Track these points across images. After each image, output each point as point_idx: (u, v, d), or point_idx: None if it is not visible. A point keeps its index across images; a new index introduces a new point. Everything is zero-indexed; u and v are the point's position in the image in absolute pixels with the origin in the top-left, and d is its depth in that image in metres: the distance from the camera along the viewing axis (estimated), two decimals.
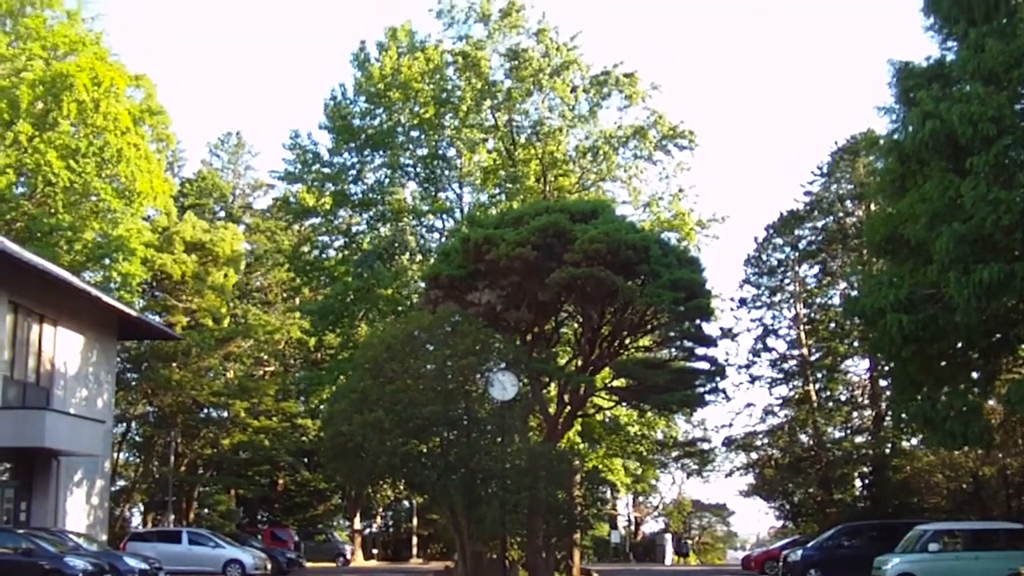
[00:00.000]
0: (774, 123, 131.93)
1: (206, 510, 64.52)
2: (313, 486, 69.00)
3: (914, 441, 45.54)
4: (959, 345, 24.93)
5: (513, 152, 51.70)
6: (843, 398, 54.84)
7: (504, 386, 32.79)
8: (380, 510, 77.03)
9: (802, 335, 53.19)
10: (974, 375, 26.59)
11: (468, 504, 33.19)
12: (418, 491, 44.33)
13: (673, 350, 41.50)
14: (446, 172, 53.38)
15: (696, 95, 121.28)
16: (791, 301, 54.47)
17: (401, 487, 55.53)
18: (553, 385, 39.87)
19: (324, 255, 56.23)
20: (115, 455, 52.97)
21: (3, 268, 29.64)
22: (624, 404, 44.57)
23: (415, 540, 75.75)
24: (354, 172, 53.19)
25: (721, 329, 47.65)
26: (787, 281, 54.93)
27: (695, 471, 67.61)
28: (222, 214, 69.78)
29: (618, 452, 54.23)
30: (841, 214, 53.26)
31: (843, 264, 52.23)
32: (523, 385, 34.99)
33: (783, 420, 55.11)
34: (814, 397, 53.00)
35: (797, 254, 54.49)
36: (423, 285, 43.10)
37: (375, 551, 72.21)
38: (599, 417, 47.04)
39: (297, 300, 63.33)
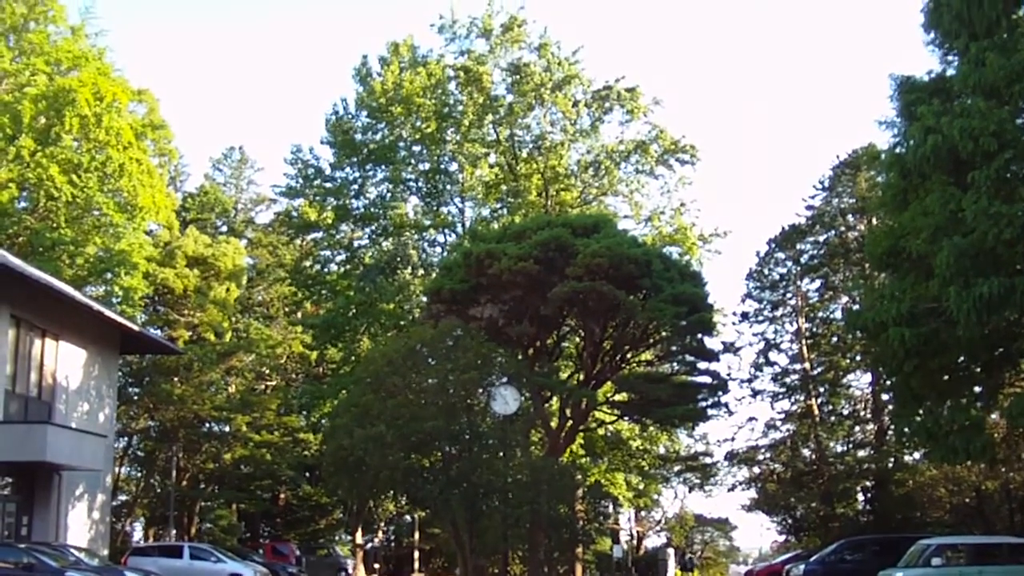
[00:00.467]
0: (776, 137, 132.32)
1: (208, 525, 64.36)
2: (315, 500, 68.83)
3: (917, 455, 45.44)
4: (961, 359, 24.92)
5: (515, 166, 51.77)
6: (845, 412, 54.73)
7: (506, 400, 32.84)
8: (382, 524, 76.79)
9: (804, 349, 53.11)
10: (976, 389, 26.57)
11: (470, 518, 33.16)
12: (420, 505, 44.34)
13: (675, 364, 41.47)
14: (448, 186, 53.48)
15: (698, 109, 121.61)
16: (793, 315, 54.39)
17: (403, 501, 55.49)
18: (555, 399, 39.87)
19: (326, 269, 56.28)
20: (117, 469, 52.86)
21: (5, 283, 29.65)
22: (626, 418, 44.59)
23: (417, 555, 75.50)
24: (356, 187, 53.30)
25: (723, 343, 47.61)
26: (789, 295, 54.86)
27: (697, 485, 67.37)
28: (224, 229, 69.76)
29: (620, 466, 54.19)
30: (843, 228, 53.23)
31: (845, 278, 52.18)
32: (525, 399, 35.02)
33: (785, 434, 54.99)
34: (816, 411, 52.90)
35: (799, 268, 54.42)
36: (425, 299, 43.16)
37: (377, 566, 71.98)
38: (601, 431, 47.02)
39: (299, 314, 63.30)
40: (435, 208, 53.74)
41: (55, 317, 33.12)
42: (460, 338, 34.80)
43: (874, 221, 45.22)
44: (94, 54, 46.16)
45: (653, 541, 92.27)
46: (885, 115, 26.07)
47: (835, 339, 53.21)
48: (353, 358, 51.89)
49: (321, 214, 54.28)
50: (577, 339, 40.65)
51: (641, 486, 62.99)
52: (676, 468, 60.97)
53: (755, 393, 53.59)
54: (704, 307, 37.08)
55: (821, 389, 53.97)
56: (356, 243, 55.25)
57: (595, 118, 52.09)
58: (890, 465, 48.45)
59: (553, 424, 39.05)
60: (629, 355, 39.17)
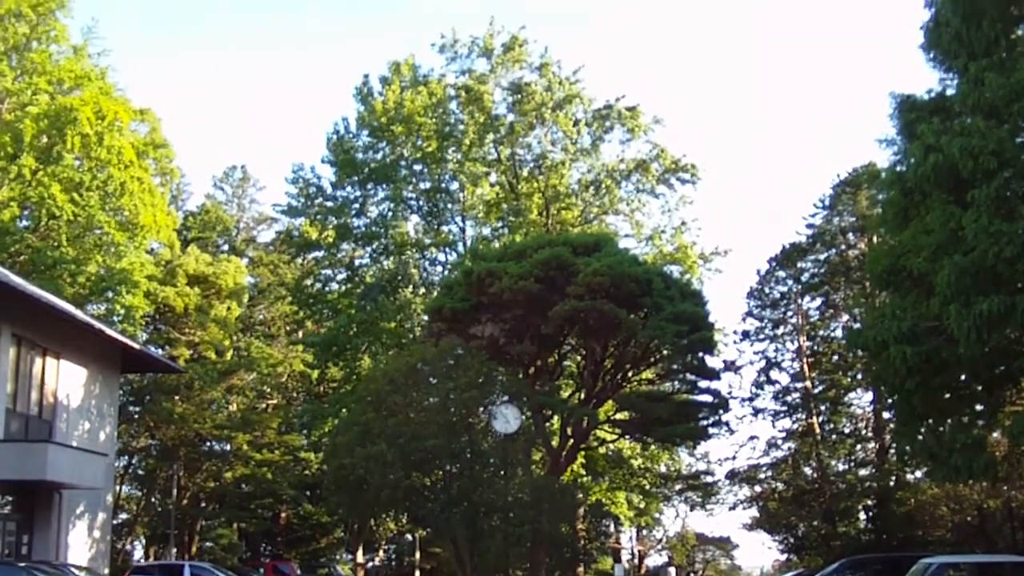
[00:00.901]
0: (776, 156, 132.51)
1: (208, 543, 64.31)
2: (316, 519, 68.73)
3: (918, 474, 45.40)
4: (963, 377, 24.86)
5: (516, 185, 51.85)
6: (847, 431, 54.69)
7: (507, 419, 32.82)
8: (383, 543, 76.66)
9: (805, 368, 53.09)
10: (978, 407, 26.52)
11: (471, 537, 33.09)
12: (421, 524, 44.20)
13: (676, 383, 41.48)
14: (449, 205, 53.53)
15: (699, 127, 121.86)
16: (794, 334, 54.40)
17: (404, 520, 55.23)
18: (556, 418, 39.84)
19: (327, 288, 56.29)
20: (117, 488, 52.84)
21: (6, 301, 29.66)
22: (627, 437, 44.56)
23: (418, 574, 75.33)
24: (357, 206, 53.34)
25: (724, 362, 47.56)
26: (790, 314, 54.88)
27: (698, 504, 67.17)
28: (225, 247, 69.90)
29: (621, 485, 54.12)
30: (843, 246, 53.28)
31: (846, 297, 52.21)
32: (526, 418, 35.00)
33: (787, 453, 54.95)
34: (817, 430, 52.85)
35: (800, 287, 54.46)
36: (426, 318, 43.16)
37: None
38: (602, 450, 47.02)
39: (300, 333, 63.32)
40: (436, 227, 53.78)
41: (56, 336, 33.11)
42: (461, 357, 34.78)
43: (875, 239, 45.22)
44: (96, 73, 46.28)
45: (654, 560, 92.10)
46: (885, 134, 26.10)
47: (836, 357, 53.21)
48: (354, 377, 51.88)
49: (322, 233, 54.32)
50: (578, 358, 40.64)
51: (642, 505, 62.94)
52: (677, 487, 60.87)
53: (756, 412, 53.59)
54: (705, 326, 37.07)
55: (822, 407, 53.94)
56: (357, 262, 55.29)
57: (596, 137, 52.22)
58: (892, 484, 48.38)
59: (554, 443, 39.02)
60: (630, 374, 39.18)
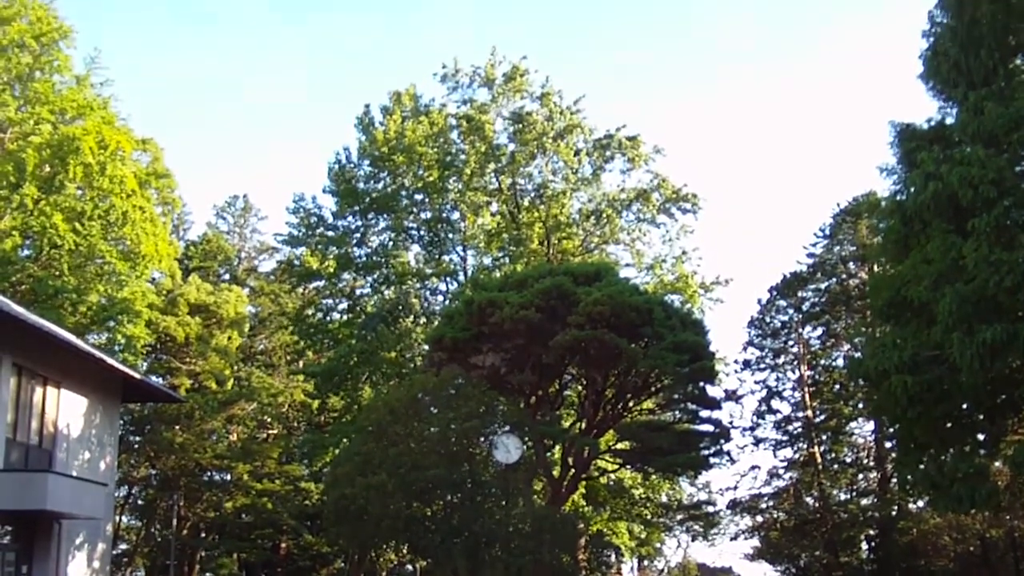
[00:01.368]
0: (776, 186, 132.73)
1: (209, 574, 64.00)
2: (316, 550, 68.41)
3: (920, 503, 45.25)
4: (964, 406, 24.83)
5: (517, 215, 51.91)
6: (848, 460, 54.57)
7: (508, 449, 32.77)
8: (383, 574, 76.34)
9: (806, 397, 53.01)
10: (980, 437, 26.47)
11: (472, 568, 32.94)
12: (421, 555, 43.97)
13: (677, 412, 41.43)
14: (450, 235, 53.60)
15: (699, 157, 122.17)
16: (795, 363, 54.34)
17: (404, 551, 55.05)
18: (557, 448, 39.76)
19: (328, 318, 56.29)
20: (117, 518, 52.66)
21: (7, 330, 29.64)
22: (628, 467, 44.45)
23: None
24: (358, 235, 53.40)
25: (725, 391, 47.62)
26: (791, 343, 54.84)
27: (700, 534, 66.90)
28: (227, 277, 69.91)
29: (622, 515, 53.92)
30: (844, 276, 53.31)
31: (847, 326, 52.19)
32: (527, 448, 34.94)
33: (788, 482, 54.79)
34: (819, 459, 52.72)
35: (800, 316, 54.44)
36: (427, 348, 43.12)
37: None
38: (603, 480, 46.88)
39: (301, 363, 63.27)
40: (437, 257, 53.82)
41: (57, 365, 33.07)
42: (462, 386, 34.76)
43: (875, 268, 45.25)
44: (99, 103, 46.46)
45: None
46: (885, 162, 26.12)
47: (837, 387, 53.15)
48: (355, 407, 51.83)
49: (323, 263, 54.38)
50: (579, 387, 40.59)
51: (643, 535, 62.68)
52: (679, 517, 60.65)
53: (757, 441, 53.49)
54: (706, 355, 37.06)
55: (824, 437, 53.84)
56: (358, 292, 55.34)
57: (596, 167, 52.33)
58: (894, 513, 48.24)
59: (555, 473, 38.93)
60: (631, 403, 39.12)
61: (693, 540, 75.27)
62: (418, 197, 53.26)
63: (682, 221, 51.78)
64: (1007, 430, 26.56)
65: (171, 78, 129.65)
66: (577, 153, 51.90)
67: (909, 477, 27.71)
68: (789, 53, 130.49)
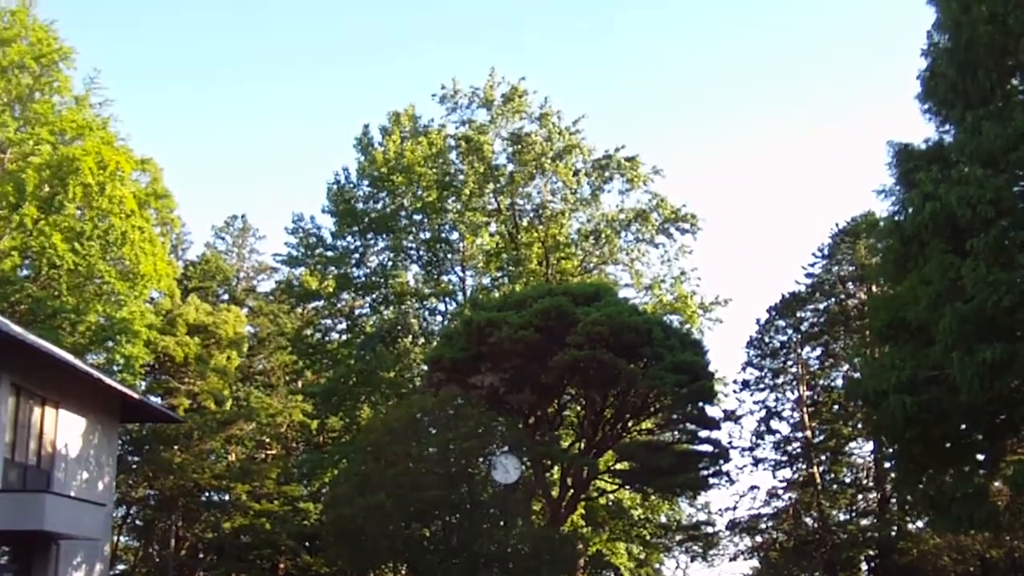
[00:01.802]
0: (775, 206, 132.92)
1: None
2: (315, 570, 68.15)
3: (920, 523, 45.18)
4: (963, 427, 24.83)
5: (515, 235, 51.97)
6: (848, 480, 54.46)
7: (507, 469, 32.74)
8: None
9: (805, 417, 52.94)
10: (979, 456, 26.46)
11: None
12: (420, 575, 43.97)
13: (676, 433, 41.40)
14: (449, 255, 53.64)
15: (697, 176, 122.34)
16: (794, 383, 54.27)
17: (403, 571, 54.90)
18: (556, 468, 39.74)
19: (327, 338, 56.28)
20: (115, 539, 52.54)
21: (6, 350, 29.62)
22: (627, 487, 44.39)
23: None
24: (357, 255, 53.44)
25: (724, 411, 47.56)
26: (790, 363, 54.78)
27: (699, 555, 66.77)
28: (225, 297, 69.86)
29: (621, 536, 53.82)
30: (843, 296, 53.29)
31: (846, 346, 52.15)
32: (526, 468, 34.91)
33: (787, 503, 54.65)
34: (818, 479, 52.62)
35: (799, 336, 54.40)
36: (426, 368, 43.12)
37: None
38: (602, 500, 46.81)
39: (299, 383, 63.20)
40: (436, 277, 53.87)
41: (55, 385, 33.04)
42: (461, 407, 34.75)
43: (874, 288, 45.26)
44: (98, 123, 46.56)
45: None
46: (883, 183, 26.19)
47: (836, 407, 53.08)
48: (354, 427, 51.82)
49: (322, 283, 54.40)
50: (578, 407, 40.60)
51: (643, 556, 62.52)
52: (678, 537, 60.54)
53: (757, 461, 53.36)
54: (705, 375, 37.07)
55: (823, 457, 53.73)
56: (357, 312, 55.36)
57: (595, 187, 52.41)
58: (893, 534, 48.14)
59: (554, 493, 38.89)
60: (630, 423, 39.13)
61: (692, 561, 75.00)
62: (417, 217, 53.33)
63: (681, 241, 51.94)
64: (1006, 450, 26.56)
65: (170, 97, 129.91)
66: (576, 173, 51.98)
67: (908, 497, 27.77)
68: (788, 73, 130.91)
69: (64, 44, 46.52)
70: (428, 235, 53.40)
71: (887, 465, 48.38)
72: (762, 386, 54.54)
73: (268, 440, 64.63)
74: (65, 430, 33.85)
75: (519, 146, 51.24)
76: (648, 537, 56.76)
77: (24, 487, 31.27)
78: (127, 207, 43.75)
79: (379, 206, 53.32)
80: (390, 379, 49.81)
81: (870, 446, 51.89)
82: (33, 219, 42.10)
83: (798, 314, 54.21)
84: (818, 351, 55.02)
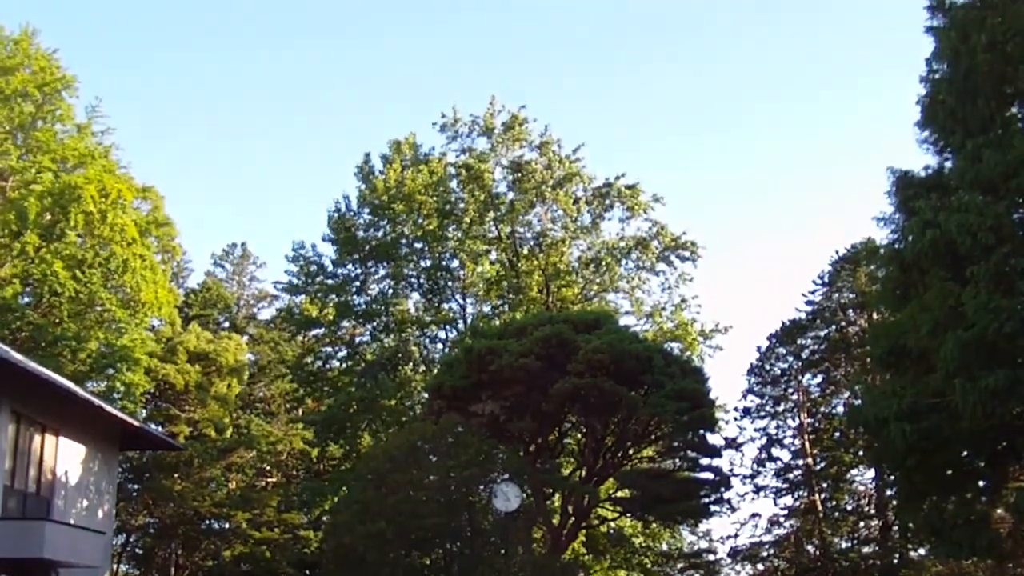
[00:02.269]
0: (775, 233, 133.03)
1: None
2: None
3: (922, 551, 45.01)
4: (965, 454, 24.81)
5: (516, 263, 52.04)
6: (849, 508, 54.29)
7: (508, 497, 32.66)
8: None
9: (807, 444, 52.84)
10: (981, 483, 26.42)
11: None
12: None
13: (677, 460, 41.32)
14: (449, 283, 53.70)
15: (698, 204, 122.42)
16: (795, 410, 54.19)
17: None
18: (557, 496, 39.65)
19: (327, 366, 56.26)
20: (115, 567, 52.32)
21: (6, 378, 29.62)
22: (629, 515, 44.27)
23: None
24: (358, 283, 53.51)
25: (725, 439, 47.37)
26: (791, 390, 54.71)
27: None
28: (226, 324, 69.91)
29: (623, 564, 53.62)
30: (843, 323, 53.26)
31: (847, 373, 52.10)
32: (527, 496, 34.82)
33: (789, 531, 54.47)
34: (820, 507, 52.47)
35: (800, 363, 54.33)
36: (426, 396, 43.13)
37: None
38: (603, 528, 46.65)
39: (300, 411, 63.17)
40: (436, 305, 53.90)
41: (56, 412, 33.02)
42: (461, 434, 34.72)
43: (874, 316, 45.26)
44: (100, 151, 46.77)
45: None
46: (883, 210, 26.23)
47: (838, 434, 52.98)
48: (354, 454, 51.71)
49: (323, 311, 54.44)
50: (579, 435, 40.54)
51: None
52: (679, 565, 60.26)
53: (758, 489, 53.22)
54: (706, 403, 37.04)
55: (824, 484, 53.60)
56: (357, 339, 55.37)
57: (596, 215, 52.53)
58: (895, 561, 47.95)
59: (555, 521, 38.78)
60: (631, 451, 39.06)
61: None
62: (418, 245, 53.42)
63: (681, 269, 52.00)
64: (1008, 477, 26.51)
65: (170, 124, 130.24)
66: (576, 201, 52.10)
67: (910, 525, 27.72)
68: (788, 99, 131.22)
69: (66, 73, 46.85)
70: (429, 263, 53.48)
71: (889, 492, 48.24)
72: (763, 413, 54.46)
73: (268, 468, 64.55)
74: (65, 458, 33.81)
75: (519, 174, 51.39)
76: (649, 565, 56.49)
77: (24, 515, 31.21)
78: (128, 235, 43.88)
79: (380, 234, 53.42)
80: (391, 407, 49.78)
81: (871, 473, 51.77)
82: (35, 247, 42.23)
83: (799, 341, 54.17)
84: (819, 378, 54.96)
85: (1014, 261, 21.52)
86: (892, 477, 33.37)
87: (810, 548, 54.40)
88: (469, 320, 52.78)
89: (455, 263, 53.52)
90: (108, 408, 35.64)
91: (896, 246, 24.68)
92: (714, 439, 40.37)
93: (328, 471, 60.02)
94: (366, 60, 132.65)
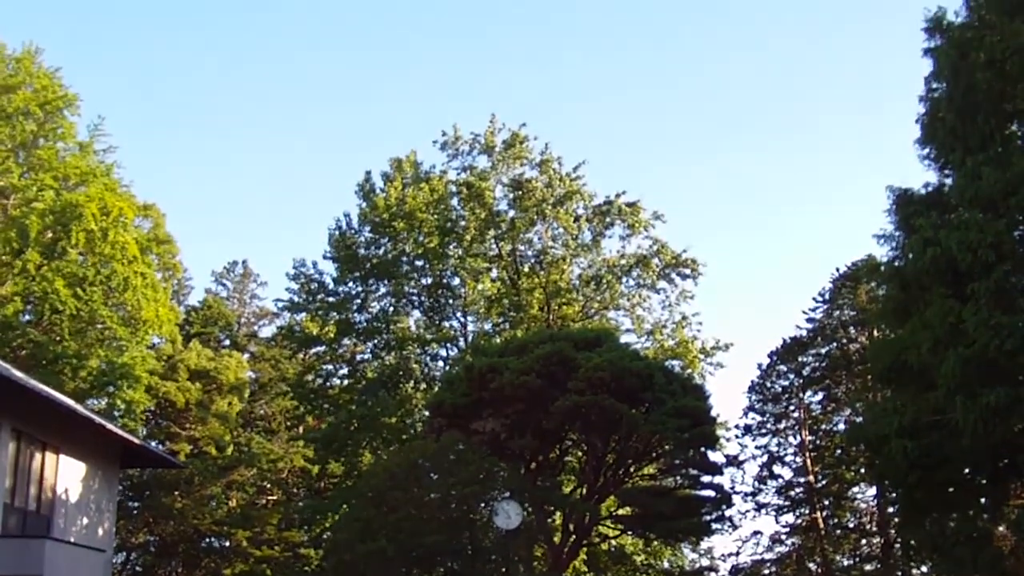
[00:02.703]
0: (776, 251, 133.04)
1: None
2: None
3: (924, 568, 44.90)
4: (966, 471, 24.83)
5: (517, 281, 52.06)
6: (851, 525, 54.20)
7: (508, 515, 32.62)
8: None
9: (808, 462, 52.78)
10: (982, 501, 26.40)
11: None
12: None
13: (678, 478, 41.27)
14: (450, 301, 53.70)
15: (698, 220, 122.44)
16: (796, 428, 54.13)
17: None
18: (558, 514, 39.58)
19: (328, 383, 56.19)
20: None
21: (7, 395, 29.62)
22: (630, 533, 44.22)
23: None
24: (358, 301, 53.48)
25: (726, 457, 47.42)
26: (792, 408, 54.66)
27: None
28: (227, 342, 69.87)
29: None
30: (844, 340, 53.27)
31: (847, 390, 52.09)
32: (527, 514, 34.78)
33: (791, 548, 54.35)
34: (821, 524, 52.39)
35: (801, 381, 54.30)
36: (427, 413, 43.08)
37: None
38: (604, 546, 46.55)
39: (301, 428, 63.07)
40: (437, 322, 53.89)
41: (56, 430, 33.00)
42: (462, 452, 34.69)
43: (875, 333, 45.28)
44: (102, 170, 46.84)
45: None
46: (883, 228, 26.30)
47: (839, 451, 52.93)
48: (355, 472, 51.59)
49: (323, 328, 54.42)
50: (580, 453, 40.48)
51: None
52: None
53: (759, 507, 53.14)
54: (707, 420, 37.02)
55: (826, 502, 53.54)
56: (358, 357, 55.32)
57: (596, 233, 52.54)
58: None
59: (556, 539, 38.70)
60: (632, 469, 39.01)
61: None
62: (418, 263, 53.43)
63: (682, 286, 51.97)
64: (1010, 494, 26.51)
65: (171, 142, 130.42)
66: (577, 219, 52.15)
67: (912, 542, 27.71)
68: (788, 117, 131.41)
69: (68, 91, 46.92)
70: (429, 281, 53.50)
71: (890, 510, 48.14)
72: (764, 431, 54.41)
73: (269, 486, 64.45)
74: (65, 475, 33.78)
75: (520, 192, 51.44)
76: None
77: (24, 533, 31.18)
78: (129, 253, 43.94)
79: (380, 252, 53.44)
80: (391, 425, 49.72)
81: (873, 491, 51.69)
82: (36, 264, 42.27)
83: (799, 359, 54.16)
84: (820, 396, 54.94)
85: (1015, 278, 21.59)
86: (894, 494, 33.32)
87: (812, 566, 54.31)
88: (470, 338, 52.76)
89: (456, 281, 53.56)
90: (109, 426, 35.62)
91: (897, 263, 24.76)
92: (715, 457, 40.38)
93: (329, 489, 59.92)
94: (367, 79, 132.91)
